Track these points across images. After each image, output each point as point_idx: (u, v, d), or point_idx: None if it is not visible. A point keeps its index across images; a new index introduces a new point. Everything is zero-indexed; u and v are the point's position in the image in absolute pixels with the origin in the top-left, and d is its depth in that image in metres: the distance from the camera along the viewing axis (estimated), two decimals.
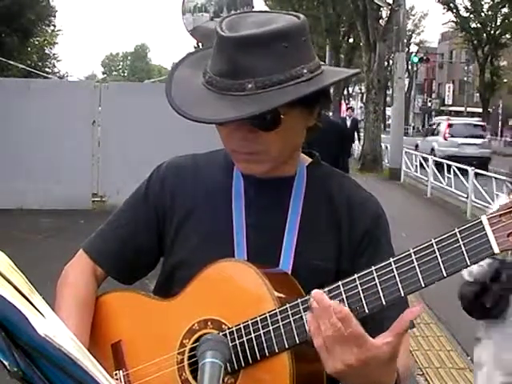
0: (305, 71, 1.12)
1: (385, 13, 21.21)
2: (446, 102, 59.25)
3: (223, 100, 1.10)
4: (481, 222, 0.97)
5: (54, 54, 31.04)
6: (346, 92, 48.13)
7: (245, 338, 1.10)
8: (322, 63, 1.19)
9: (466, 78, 47.82)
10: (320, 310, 0.97)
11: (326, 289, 1.05)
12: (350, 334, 0.96)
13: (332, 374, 1.01)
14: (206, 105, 1.12)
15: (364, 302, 1.03)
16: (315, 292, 0.99)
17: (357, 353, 0.96)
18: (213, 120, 1.11)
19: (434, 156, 16.46)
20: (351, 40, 33.23)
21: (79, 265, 1.34)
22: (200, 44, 10.23)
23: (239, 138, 1.15)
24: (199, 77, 1.17)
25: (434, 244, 0.99)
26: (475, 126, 23.19)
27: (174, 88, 1.16)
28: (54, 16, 29.12)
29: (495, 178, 11.51)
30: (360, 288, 1.03)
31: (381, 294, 1.02)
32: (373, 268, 1.03)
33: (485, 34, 37.47)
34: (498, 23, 37.02)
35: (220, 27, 1.13)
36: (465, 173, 12.57)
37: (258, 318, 1.09)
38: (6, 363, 0.75)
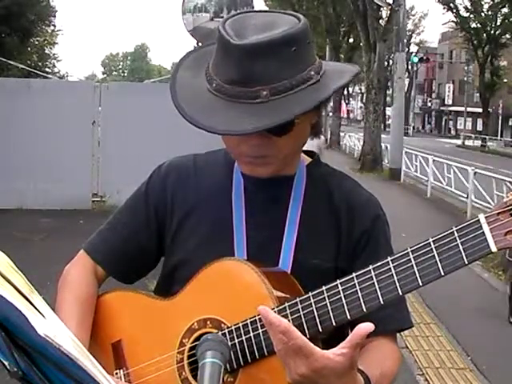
0: (312, 73, 1.12)
1: (385, 13, 21.23)
2: (446, 102, 59.29)
3: (236, 108, 1.09)
4: (478, 220, 0.98)
5: (54, 54, 31.05)
6: (345, 92, 48.16)
7: (244, 338, 1.10)
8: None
9: (466, 78, 47.83)
10: (267, 326, 1.00)
11: (324, 288, 1.06)
12: (294, 346, 0.98)
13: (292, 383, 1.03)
14: (217, 114, 1.10)
15: (362, 300, 1.03)
16: (260, 308, 1.00)
17: (306, 363, 0.98)
18: (232, 132, 1.09)
19: None
20: (351, 40, 33.19)
21: (80, 265, 1.34)
22: (200, 44, 10.22)
23: (252, 144, 1.15)
24: (202, 82, 1.15)
25: (432, 243, 1.00)
26: None
27: (179, 96, 1.14)
28: (54, 16, 29.10)
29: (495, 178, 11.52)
30: (358, 287, 1.04)
31: (379, 293, 1.02)
32: (371, 267, 1.03)
33: (485, 34, 37.45)
34: (498, 23, 37.00)
35: (226, 33, 1.10)
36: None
37: (257, 318, 1.09)
38: (6, 363, 0.75)
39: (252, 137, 1.13)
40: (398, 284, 1.02)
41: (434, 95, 64.94)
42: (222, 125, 1.08)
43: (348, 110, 68.89)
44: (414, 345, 5.01)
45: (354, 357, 0.97)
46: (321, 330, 1.06)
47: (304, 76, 1.11)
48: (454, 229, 0.99)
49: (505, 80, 39.63)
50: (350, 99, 66.63)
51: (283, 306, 1.07)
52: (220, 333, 1.11)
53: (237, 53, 1.08)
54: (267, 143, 1.15)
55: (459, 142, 43.68)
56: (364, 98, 25.42)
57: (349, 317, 1.04)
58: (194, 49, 1.34)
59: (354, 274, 1.04)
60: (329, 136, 30.11)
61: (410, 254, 1.01)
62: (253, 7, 10.41)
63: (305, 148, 1.28)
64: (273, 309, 1.07)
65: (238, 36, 1.09)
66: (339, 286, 1.05)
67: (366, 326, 0.95)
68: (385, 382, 1.14)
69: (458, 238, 0.98)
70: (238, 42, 1.08)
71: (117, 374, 1.25)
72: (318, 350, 0.98)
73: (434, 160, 14.91)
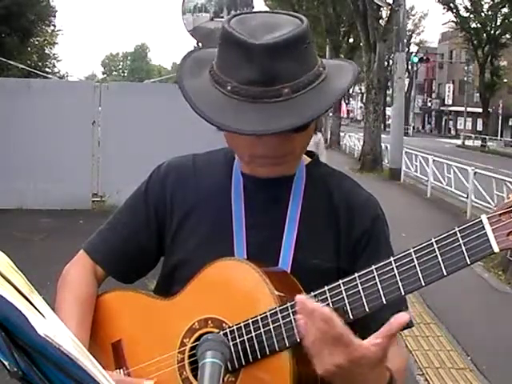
0: (321, 69, 1.14)
1: (385, 13, 21.25)
2: (445, 102, 59.34)
3: (258, 108, 1.08)
4: (481, 221, 0.98)
5: (54, 54, 31.08)
6: None
7: (245, 337, 1.10)
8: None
9: (465, 78, 47.87)
10: (305, 314, 0.98)
11: (327, 288, 1.06)
12: (336, 335, 0.96)
13: (323, 375, 1.01)
14: (231, 114, 1.08)
15: (364, 300, 1.03)
16: (298, 297, 0.99)
17: (345, 353, 0.96)
18: (264, 131, 1.07)
19: None
20: (351, 40, 33.20)
21: (80, 265, 1.34)
22: (200, 44, 10.22)
23: (271, 144, 1.14)
24: (204, 83, 1.14)
25: (434, 243, 1.00)
26: None
27: (196, 101, 1.11)
28: (54, 16, 29.13)
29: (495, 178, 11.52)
30: (360, 287, 1.03)
31: (381, 293, 1.02)
32: (373, 267, 1.03)
33: (485, 34, 37.47)
34: (498, 23, 37.03)
35: (238, 33, 1.09)
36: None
37: (259, 317, 1.09)
38: (6, 363, 0.75)
39: (272, 136, 1.11)
40: (400, 284, 1.02)
41: (434, 95, 64.99)
42: (252, 128, 1.07)
43: (348, 110, 68.95)
44: (414, 345, 5.01)
45: (387, 348, 0.96)
46: None
47: (316, 71, 1.12)
48: (457, 229, 0.99)
49: (505, 80, 39.66)
50: (350, 99, 66.65)
51: (285, 306, 1.07)
52: (221, 332, 1.11)
53: (257, 52, 1.07)
54: (285, 142, 1.14)
55: (459, 142, 43.71)
56: (364, 98, 25.43)
57: (351, 316, 1.04)
58: (193, 49, 1.34)
59: (356, 274, 1.04)
60: (329, 136, 30.11)
61: (413, 254, 1.01)
62: (253, 7, 10.42)
63: None
64: (274, 308, 1.08)
65: (251, 36, 1.08)
66: (341, 285, 1.05)
67: (403, 316, 0.94)
68: (399, 377, 1.13)
69: (460, 239, 0.98)
70: (257, 41, 1.07)
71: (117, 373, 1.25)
72: (357, 340, 0.97)
73: (433, 160, 14.92)
